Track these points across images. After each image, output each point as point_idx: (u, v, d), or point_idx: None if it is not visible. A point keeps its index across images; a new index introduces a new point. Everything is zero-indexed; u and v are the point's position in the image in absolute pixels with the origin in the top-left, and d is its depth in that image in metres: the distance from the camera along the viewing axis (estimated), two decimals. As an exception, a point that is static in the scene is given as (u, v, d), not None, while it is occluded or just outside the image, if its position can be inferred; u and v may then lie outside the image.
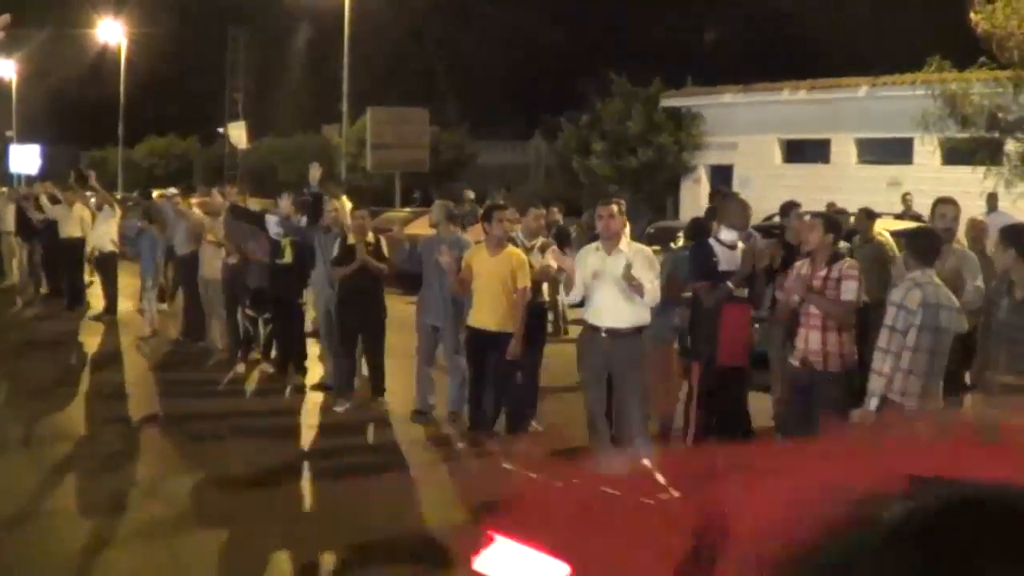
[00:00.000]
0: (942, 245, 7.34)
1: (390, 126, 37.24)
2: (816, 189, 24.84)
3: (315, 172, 13.38)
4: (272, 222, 13.39)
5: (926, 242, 7.17)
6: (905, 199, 20.18)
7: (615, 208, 8.55)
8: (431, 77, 53.90)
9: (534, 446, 9.96)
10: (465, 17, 49.54)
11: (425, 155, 37.99)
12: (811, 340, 7.56)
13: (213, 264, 14.24)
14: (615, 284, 8.32)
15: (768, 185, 26.72)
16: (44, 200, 20.08)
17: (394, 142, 37.03)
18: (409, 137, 37.27)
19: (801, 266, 7.81)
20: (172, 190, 17.70)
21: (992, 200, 18.75)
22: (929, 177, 23.39)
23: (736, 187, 23.07)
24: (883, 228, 11.85)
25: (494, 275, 9.80)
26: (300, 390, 12.45)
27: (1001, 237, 6.99)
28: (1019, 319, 6.70)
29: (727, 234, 8.30)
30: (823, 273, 7.56)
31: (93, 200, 18.76)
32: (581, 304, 8.81)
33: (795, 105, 28.68)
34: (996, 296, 7.18)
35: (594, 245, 8.62)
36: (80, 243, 18.60)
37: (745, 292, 8.19)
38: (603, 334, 8.44)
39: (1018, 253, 6.79)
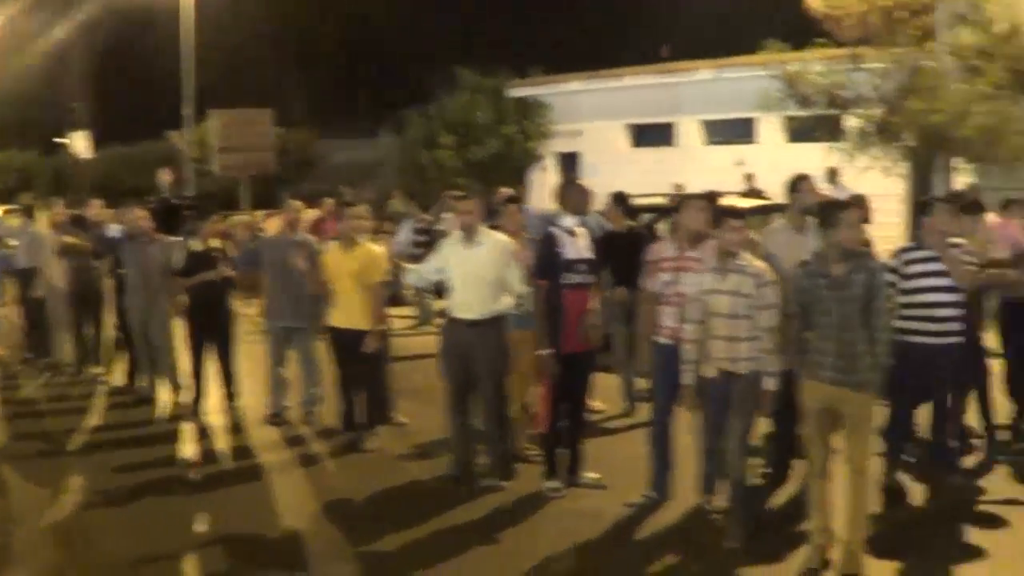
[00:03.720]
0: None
1: (234, 128, 36.49)
2: (665, 172, 25.13)
3: (165, 177, 13.03)
4: (114, 232, 13.12)
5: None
6: (747, 178, 20.66)
7: (469, 202, 8.62)
8: (275, 76, 53.20)
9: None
10: (305, 14, 48.99)
11: (271, 156, 37.34)
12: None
13: (57, 275, 13.71)
14: (472, 275, 8.40)
15: (617, 171, 26.89)
16: None
17: (239, 144, 36.27)
18: (254, 139, 36.50)
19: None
20: None
21: (832, 175, 19.23)
22: (774, 155, 23.80)
23: (585, 174, 23.15)
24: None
25: (349, 273, 9.77)
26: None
27: None
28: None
29: (568, 220, 8.29)
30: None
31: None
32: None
33: (640, 90, 28.96)
34: None
35: (454, 236, 8.63)
36: None
37: (592, 278, 8.20)
38: (462, 324, 8.46)
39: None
